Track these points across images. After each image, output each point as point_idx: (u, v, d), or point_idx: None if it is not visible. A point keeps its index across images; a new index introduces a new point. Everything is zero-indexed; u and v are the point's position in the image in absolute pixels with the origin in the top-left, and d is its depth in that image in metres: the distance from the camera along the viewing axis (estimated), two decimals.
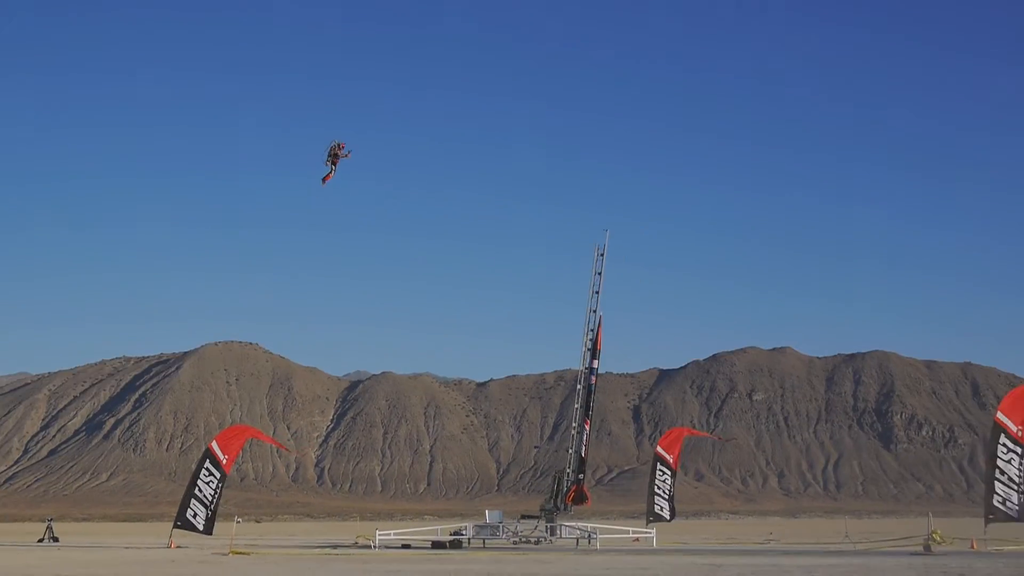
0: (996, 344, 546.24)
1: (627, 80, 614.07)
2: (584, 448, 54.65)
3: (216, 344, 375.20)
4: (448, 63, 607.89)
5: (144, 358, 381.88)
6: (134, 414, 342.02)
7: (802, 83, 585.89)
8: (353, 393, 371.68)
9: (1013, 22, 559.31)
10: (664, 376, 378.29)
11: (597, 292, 53.81)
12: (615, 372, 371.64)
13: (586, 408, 55.06)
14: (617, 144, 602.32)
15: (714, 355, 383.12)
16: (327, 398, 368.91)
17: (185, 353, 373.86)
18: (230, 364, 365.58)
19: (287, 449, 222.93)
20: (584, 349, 54.69)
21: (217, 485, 52.51)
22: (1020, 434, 43.21)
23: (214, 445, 53.31)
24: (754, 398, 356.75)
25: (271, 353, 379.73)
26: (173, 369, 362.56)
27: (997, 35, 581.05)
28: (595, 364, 54.76)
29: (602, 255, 53.73)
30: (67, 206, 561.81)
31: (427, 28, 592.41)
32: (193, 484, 51.97)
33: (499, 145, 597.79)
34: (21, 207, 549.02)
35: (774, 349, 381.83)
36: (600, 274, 53.66)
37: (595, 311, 54.03)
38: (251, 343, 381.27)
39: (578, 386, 55.66)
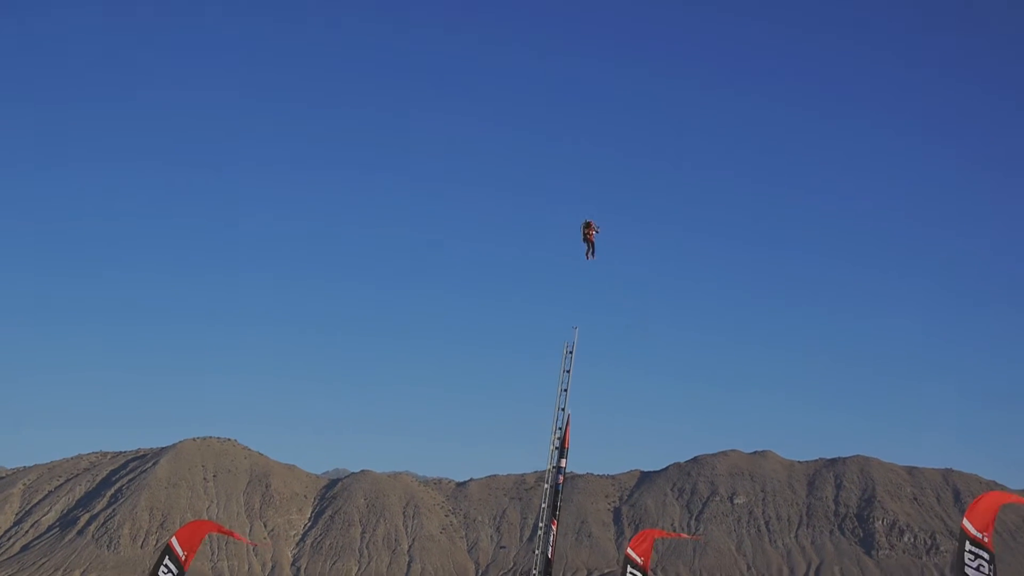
0: (977, 451, 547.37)
1: (620, 169, 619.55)
2: (551, 549, 53.73)
3: (194, 440, 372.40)
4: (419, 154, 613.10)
5: (121, 453, 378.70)
6: (109, 510, 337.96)
7: (796, 182, 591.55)
8: (332, 491, 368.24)
9: None
10: (645, 478, 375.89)
11: (565, 390, 53.30)
12: (596, 473, 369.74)
13: (553, 508, 54.25)
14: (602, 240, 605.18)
15: (695, 457, 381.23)
16: (305, 496, 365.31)
17: (163, 448, 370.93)
18: (208, 460, 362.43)
19: (250, 542, 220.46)
20: (552, 448, 54.07)
21: None
22: (984, 539, 42.83)
23: (174, 541, 52.21)
24: (735, 501, 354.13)
25: (249, 449, 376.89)
26: (150, 464, 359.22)
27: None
28: (563, 463, 54.03)
29: (571, 352, 53.33)
30: (46, 301, 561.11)
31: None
32: None
33: (476, 242, 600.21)
34: None
35: (755, 452, 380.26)
36: (568, 372, 53.21)
37: (563, 409, 53.46)
38: (229, 439, 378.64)
39: (545, 485, 55.01)
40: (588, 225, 57.73)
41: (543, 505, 54.86)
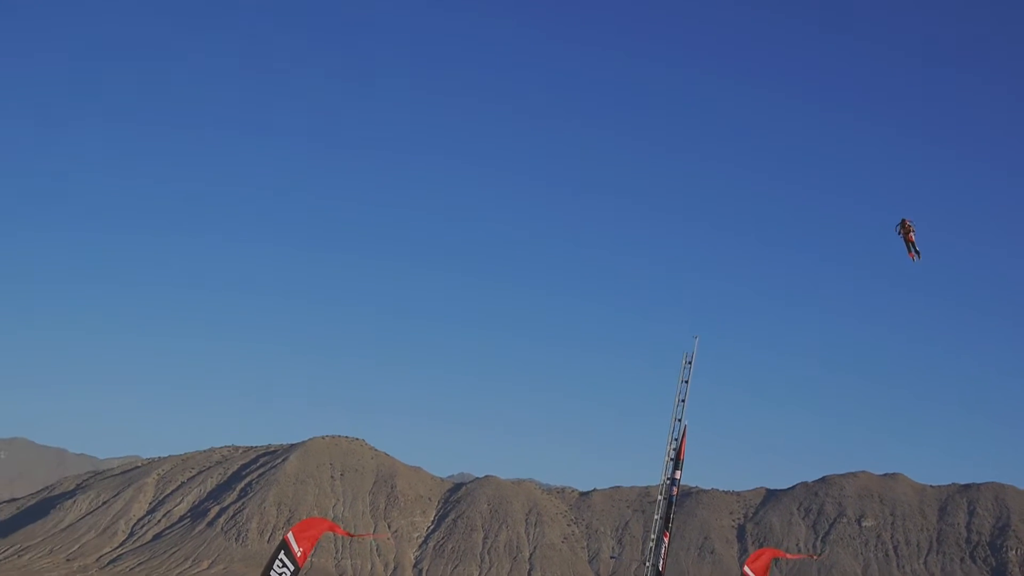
0: None
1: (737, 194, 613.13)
2: (663, 562, 53.21)
3: (323, 438, 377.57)
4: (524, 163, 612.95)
5: (252, 448, 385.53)
6: (239, 503, 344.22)
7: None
8: (456, 495, 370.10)
9: None
10: (771, 496, 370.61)
11: (683, 401, 52.71)
12: (721, 489, 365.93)
13: (666, 520, 53.68)
14: (721, 261, 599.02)
15: (823, 477, 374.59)
16: (429, 499, 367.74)
17: (292, 445, 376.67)
18: (335, 459, 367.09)
19: (372, 535, 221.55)
20: (667, 459, 53.52)
21: None
22: None
23: (290, 536, 52.70)
24: (863, 524, 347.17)
25: (376, 450, 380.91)
26: (279, 461, 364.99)
27: None
28: (677, 475, 53.41)
29: (690, 363, 52.74)
30: (190, 305, 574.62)
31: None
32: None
33: (602, 252, 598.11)
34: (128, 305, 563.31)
35: (886, 475, 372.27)
36: (687, 382, 52.59)
37: (680, 420, 52.90)
38: (357, 439, 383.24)
39: (659, 496, 54.45)
40: (904, 224, 57.62)
41: (656, 517, 54.38)
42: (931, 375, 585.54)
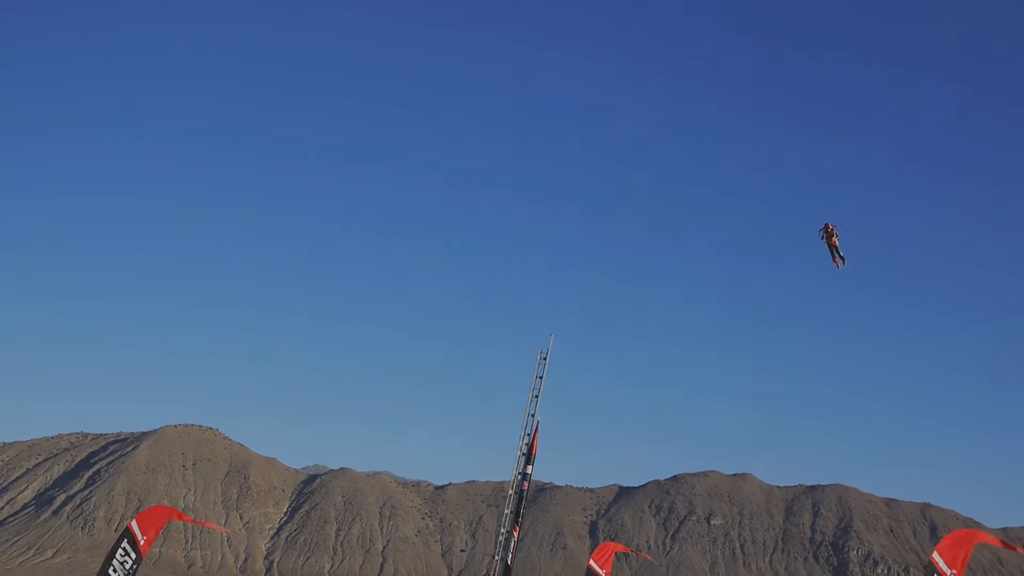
0: (956, 487, 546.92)
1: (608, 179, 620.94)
2: (511, 556, 53.55)
3: (176, 427, 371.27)
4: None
5: (102, 435, 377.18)
6: (86, 491, 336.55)
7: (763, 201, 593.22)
8: (310, 487, 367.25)
9: None
10: (624, 493, 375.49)
11: (536, 396, 53.09)
12: (575, 485, 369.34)
13: (516, 514, 54.03)
14: (579, 254, 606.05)
15: (675, 476, 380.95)
16: (283, 490, 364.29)
17: (144, 433, 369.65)
18: (188, 448, 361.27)
19: (220, 528, 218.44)
20: (519, 454, 53.86)
21: (132, 567, 50.60)
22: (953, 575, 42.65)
23: (134, 524, 51.63)
24: (712, 522, 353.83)
25: (230, 440, 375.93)
26: (130, 449, 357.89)
27: None
28: (529, 470, 53.78)
29: (544, 359, 53.18)
30: (32, 276, 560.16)
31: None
32: (108, 564, 49.97)
33: (471, 240, 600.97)
34: None
35: (736, 475, 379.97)
36: (541, 378, 53.01)
37: (533, 415, 53.29)
38: (211, 428, 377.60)
39: (510, 491, 54.78)
40: (827, 229, 57.43)
41: (506, 511, 54.65)
42: (781, 377, 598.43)
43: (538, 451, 53.65)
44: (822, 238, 57.37)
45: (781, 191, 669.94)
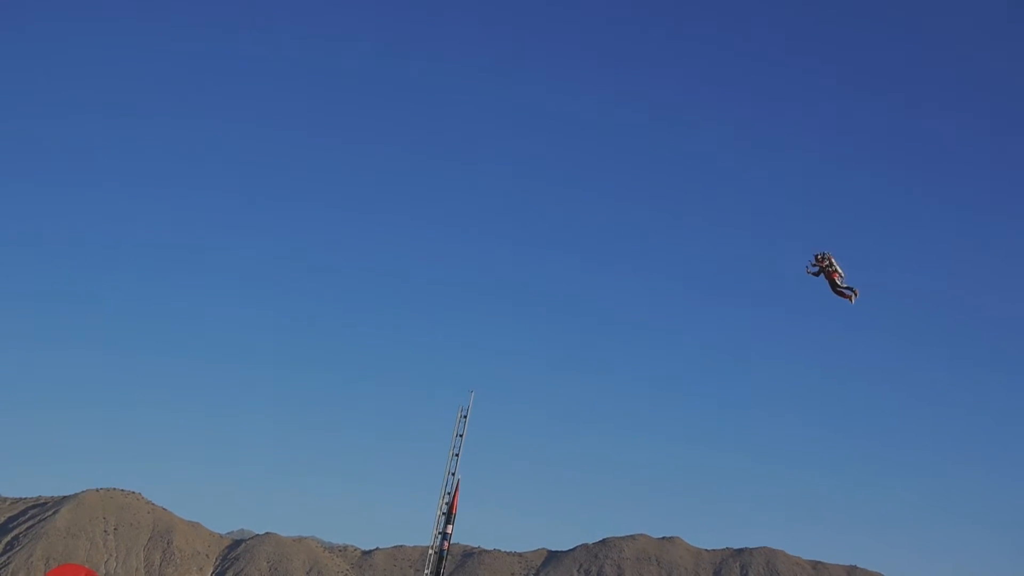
0: (882, 548, 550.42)
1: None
2: None
3: (97, 491, 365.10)
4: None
5: (20, 499, 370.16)
6: (4, 557, 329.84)
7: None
8: (234, 552, 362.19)
9: None
10: (552, 557, 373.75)
11: (457, 454, 53.01)
12: (503, 549, 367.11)
13: (436, 574, 53.68)
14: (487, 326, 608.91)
15: (603, 539, 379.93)
16: (207, 555, 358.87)
17: (64, 497, 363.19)
18: (109, 512, 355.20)
19: None
20: (439, 513, 53.57)
21: None
22: None
23: None
24: None
25: (152, 504, 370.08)
26: (50, 513, 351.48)
27: None
28: (449, 529, 53.51)
29: (465, 416, 53.16)
30: None
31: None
32: None
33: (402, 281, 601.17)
34: None
35: (663, 538, 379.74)
36: (461, 436, 53.00)
37: (453, 474, 53.11)
38: (133, 492, 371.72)
39: (430, 551, 54.40)
40: (818, 261, 51.54)
41: (426, 572, 54.42)
42: (708, 441, 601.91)
43: (464, 514, 53.34)
44: (815, 273, 51.25)
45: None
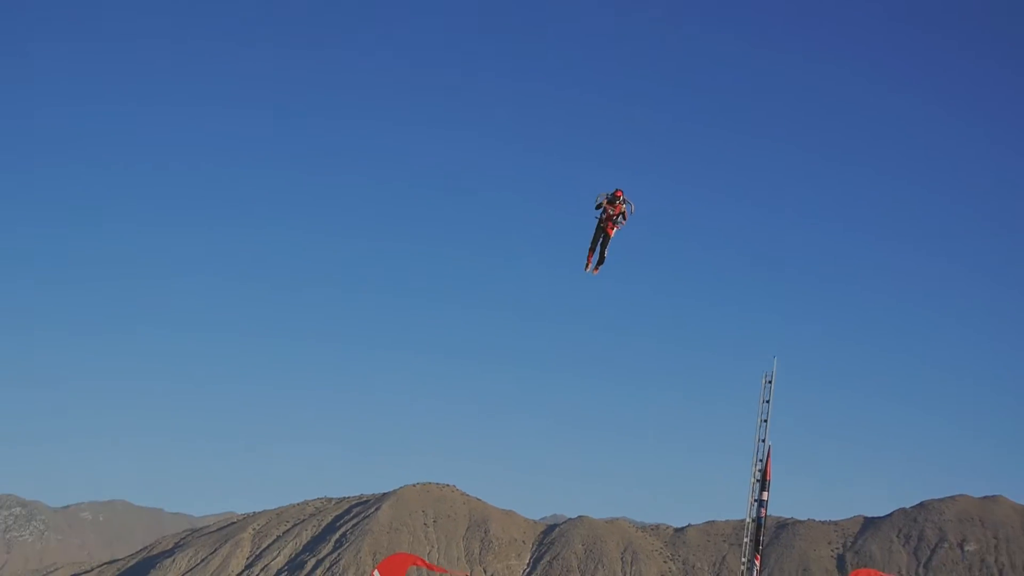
0: None
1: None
2: None
3: (414, 486, 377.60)
4: None
5: (344, 499, 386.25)
6: (334, 554, 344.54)
7: None
8: (549, 537, 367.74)
9: None
10: (869, 524, 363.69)
11: (765, 420, 52.22)
12: (817, 519, 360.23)
13: (756, 542, 53.01)
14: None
15: (921, 502, 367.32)
16: (523, 541, 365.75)
17: (384, 494, 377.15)
18: (427, 506, 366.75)
19: (459, 573, 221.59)
20: (753, 480, 52.93)
21: None
22: None
23: (376, 574, 53.15)
24: (966, 549, 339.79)
25: (467, 495, 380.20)
26: (372, 510, 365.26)
27: None
28: (765, 496, 52.74)
29: (770, 382, 52.36)
30: (258, 356, 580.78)
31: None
32: None
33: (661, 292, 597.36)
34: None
35: (985, 497, 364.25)
36: (768, 402, 52.20)
37: (764, 440, 52.36)
38: (448, 484, 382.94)
39: (747, 519, 53.82)
40: (612, 202, 40.76)
41: (745, 540, 53.86)
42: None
43: (776, 484, 52.65)
44: (601, 214, 40.41)
45: None
